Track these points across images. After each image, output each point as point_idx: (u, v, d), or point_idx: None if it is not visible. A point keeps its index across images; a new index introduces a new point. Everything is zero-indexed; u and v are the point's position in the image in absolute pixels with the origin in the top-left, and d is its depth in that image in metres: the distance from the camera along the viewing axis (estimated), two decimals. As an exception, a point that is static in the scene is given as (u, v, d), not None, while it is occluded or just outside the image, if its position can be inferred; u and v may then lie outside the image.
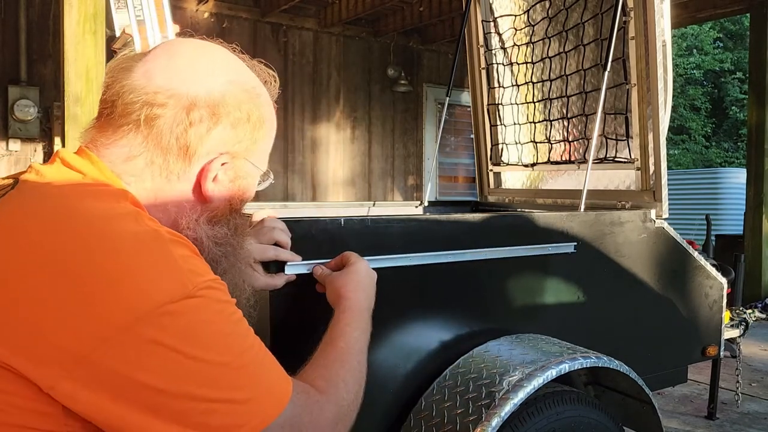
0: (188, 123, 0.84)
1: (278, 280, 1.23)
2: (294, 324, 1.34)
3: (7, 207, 0.75)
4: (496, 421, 1.37)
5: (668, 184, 2.24)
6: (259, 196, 1.03)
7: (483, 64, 3.29)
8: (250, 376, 0.76)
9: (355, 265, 1.18)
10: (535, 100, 3.04)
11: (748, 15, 6.87)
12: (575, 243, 1.86)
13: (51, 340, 0.66)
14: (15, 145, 5.32)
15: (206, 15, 6.30)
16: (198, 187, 0.88)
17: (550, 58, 2.91)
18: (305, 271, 1.28)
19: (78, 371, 0.66)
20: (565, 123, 2.85)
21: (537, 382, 1.44)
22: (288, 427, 0.79)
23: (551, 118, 2.95)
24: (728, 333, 2.71)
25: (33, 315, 0.66)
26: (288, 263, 1.25)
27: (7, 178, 0.84)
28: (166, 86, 0.83)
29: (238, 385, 0.74)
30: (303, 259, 1.28)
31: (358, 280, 1.15)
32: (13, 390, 0.66)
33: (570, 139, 2.84)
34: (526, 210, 2.92)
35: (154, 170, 0.85)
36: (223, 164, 0.88)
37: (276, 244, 1.23)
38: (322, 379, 0.91)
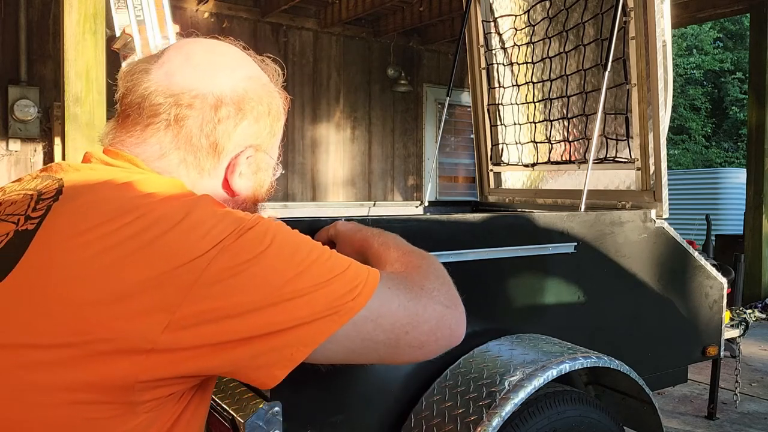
0: (217, 120, 0.87)
1: None
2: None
3: (68, 205, 0.76)
4: (496, 421, 1.37)
5: (668, 184, 2.24)
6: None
7: (483, 64, 3.29)
8: (339, 259, 0.81)
9: (341, 226, 1.20)
10: (535, 100, 3.04)
11: (748, 15, 6.87)
12: (575, 243, 1.86)
13: (141, 300, 0.68)
14: (15, 145, 5.32)
15: (206, 15, 6.30)
16: (226, 182, 0.91)
17: (550, 58, 2.91)
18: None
19: (174, 323, 0.68)
20: (566, 123, 2.85)
21: (537, 382, 1.44)
22: (396, 279, 0.85)
23: (551, 118, 2.95)
24: (728, 333, 2.71)
25: (118, 283, 0.69)
26: None
27: (42, 177, 0.84)
28: (190, 86, 0.86)
29: (334, 265, 0.79)
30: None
31: (357, 228, 1.17)
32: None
33: (570, 139, 2.85)
34: (527, 210, 2.92)
35: (189, 167, 0.87)
36: (248, 158, 0.91)
37: None
38: (396, 263, 0.96)
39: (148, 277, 0.69)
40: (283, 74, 1.01)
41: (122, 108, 0.89)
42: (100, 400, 0.68)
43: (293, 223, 1.32)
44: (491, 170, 3.36)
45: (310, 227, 1.35)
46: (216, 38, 0.95)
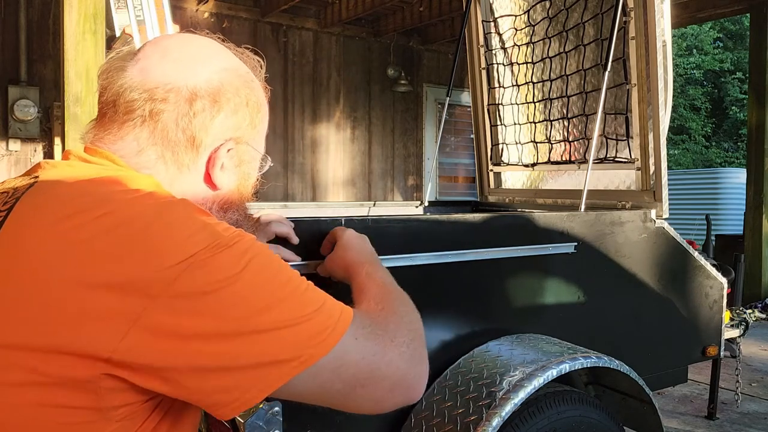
0: (192, 114, 0.85)
1: None
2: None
3: (38, 198, 0.75)
4: (496, 421, 1.37)
5: (668, 184, 2.24)
6: (258, 197, 1.03)
7: (483, 64, 3.29)
8: (313, 293, 0.78)
9: (344, 236, 1.19)
10: (535, 100, 3.04)
11: (748, 15, 6.87)
12: (575, 243, 1.86)
13: (102, 302, 0.66)
14: (15, 145, 5.32)
15: (206, 15, 6.30)
16: (207, 176, 0.89)
17: (550, 58, 2.91)
18: (304, 273, 1.28)
19: (133, 334, 0.66)
20: (566, 123, 2.85)
21: (537, 382, 1.44)
22: (367, 327, 0.81)
23: (551, 118, 2.95)
24: (728, 333, 2.71)
25: (78, 293, 0.67)
26: (289, 263, 1.25)
27: (23, 177, 0.84)
28: (164, 80, 0.84)
29: (307, 301, 0.75)
30: (303, 260, 1.29)
31: (354, 246, 1.16)
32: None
33: (570, 139, 2.84)
34: (527, 210, 2.92)
35: (167, 163, 0.86)
36: (228, 150, 0.89)
37: (277, 237, 1.24)
38: (374, 301, 0.93)
39: (115, 281, 0.67)
40: (261, 66, 0.98)
41: (100, 106, 0.89)
42: (70, 404, 0.67)
43: (293, 223, 1.32)
44: (491, 170, 3.36)
45: (311, 228, 1.35)
46: (192, 32, 0.94)
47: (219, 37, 0.95)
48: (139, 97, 0.84)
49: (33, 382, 0.66)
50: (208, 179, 0.89)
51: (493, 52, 3.24)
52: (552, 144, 2.96)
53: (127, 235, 0.69)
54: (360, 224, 1.44)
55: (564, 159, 2.90)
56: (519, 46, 3.11)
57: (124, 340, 0.66)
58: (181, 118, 0.84)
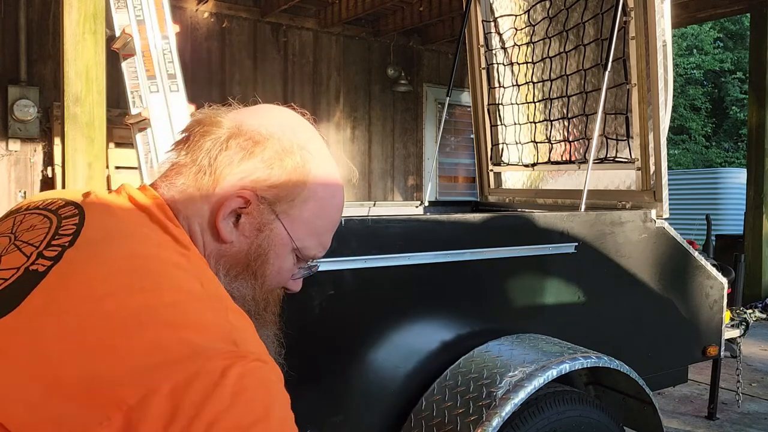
0: (225, 146, 0.82)
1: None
2: (296, 325, 1.33)
3: (87, 259, 0.71)
4: (496, 421, 1.37)
5: (668, 184, 2.24)
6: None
7: (483, 64, 3.29)
8: None
9: None
10: (535, 100, 3.04)
11: (748, 15, 6.87)
12: (576, 243, 1.86)
13: (106, 380, 0.60)
14: (15, 145, 5.32)
15: (206, 15, 6.30)
16: (215, 218, 0.82)
17: (550, 58, 2.91)
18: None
19: (125, 415, 0.58)
20: (566, 123, 2.85)
21: (538, 382, 1.44)
22: None
23: (551, 118, 2.95)
24: (728, 333, 2.71)
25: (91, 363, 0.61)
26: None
27: (65, 200, 0.81)
28: (223, 118, 0.85)
29: None
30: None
31: None
32: None
33: (570, 139, 2.84)
34: (527, 210, 2.92)
35: (189, 185, 0.83)
36: (246, 202, 0.82)
37: None
38: None
39: (131, 370, 0.60)
40: (354, 178, 0.95)
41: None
42: None
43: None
44: (491, 170, 3.36)
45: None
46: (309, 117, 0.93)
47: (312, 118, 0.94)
48: (195, 123, 0.85)
49: None
50: (215, 223, 0.82)
51: (493, 52, 3.24)
52: (552, 144, 2.96)
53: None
54: (360, 224, 1.44)
55: (564, 159, 2.90)
56: (519, 46, 3.10)
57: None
58: (214, 146, 0.83)
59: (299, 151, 0.86)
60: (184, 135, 0.87)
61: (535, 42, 2.99)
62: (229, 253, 0.84)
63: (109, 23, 2.99)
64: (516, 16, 3.11)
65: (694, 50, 17.81)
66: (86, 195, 0.83)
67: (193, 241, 0.81)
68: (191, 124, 0.87)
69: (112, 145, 5.30)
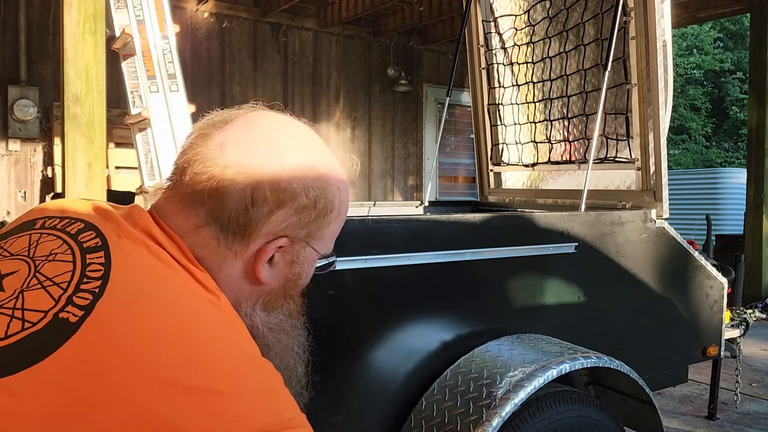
0: (250, 202, 0.80)
1: None
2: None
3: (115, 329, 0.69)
4: (496, 421, 1.37)
5: (668, 184, 2.24)
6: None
7: (483, 64, 3.29)
8: None
9: None
10: (535, 100, 3.04)
11: (748, 15, 6.87)
12: (576, 243, 1.86)
13: None
14: (15, 145, 5.32)
15: (206, 15, 6.30)
16: (253, 268, 0.83)
17: (550, 58, 2.91)
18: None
19: None
20: (566, 123, 2.85)
21: (538, 382, 1.44)
22: None
23: (551, 118, 2.95)
24: (728, 333, 2.71)
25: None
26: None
27: (83, 223, 0.79)
28: (237, 161, 0.80)
29: None
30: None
31: None
32: None
33: (570, 139, 2.84)
34: (527, 210, 2.92)
35: (220, 245, 0.82)
36: (280, 247, 0.84)
37: None
38: None
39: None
40: (356, 165, 0.94)
41: (174, 167, 0.85)
42: None
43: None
44: (491, 170, 3.36)
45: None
46: (287, 114, 0.89)
47: (310, 123, 0.91)
48: (207, 170, 0.80)
49: None
50: (253, 272, 0.83)
51: (493, 52, 3.24)
52: (552, 144, 2.96)
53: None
54: (360, 224, 1.44)
55: (564, 159, 2.90)
56: (519, 45, 3.11)
57: None
58: (239, 204, 0.80)
59: (320, 182, 0.85)
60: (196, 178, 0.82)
61: (535, 42, 2.99)
62: (266, 291, 0.86)
63: (109, 23, 2.99)
64: (516, 16, 3.11)
65: (694, 50, 17.81)
66: (101, 213, 0.81)
67: (219, 286, 0.80)
68: (201, 170, 0.82)
69: (112, 145, 5.30)
